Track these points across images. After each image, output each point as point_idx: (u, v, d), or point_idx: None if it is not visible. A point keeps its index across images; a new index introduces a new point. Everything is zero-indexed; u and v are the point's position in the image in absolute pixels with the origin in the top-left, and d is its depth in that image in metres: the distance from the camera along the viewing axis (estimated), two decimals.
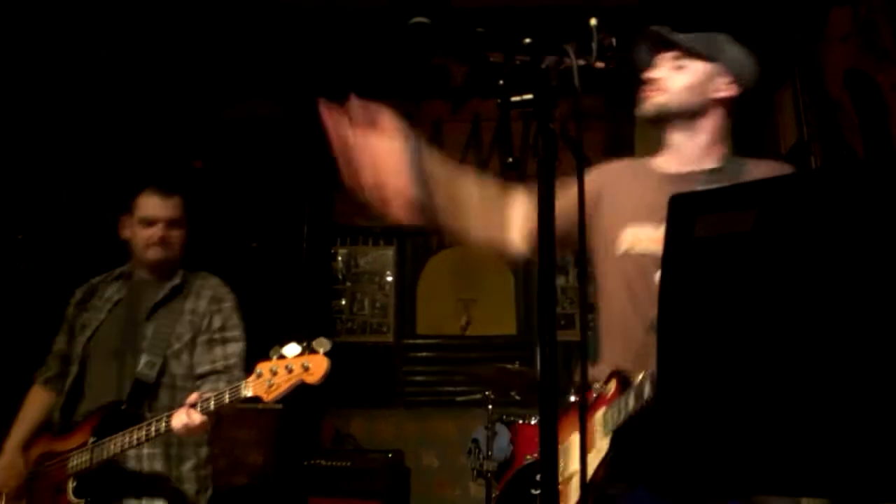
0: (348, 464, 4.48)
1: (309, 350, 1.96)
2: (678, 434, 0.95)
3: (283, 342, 2.00)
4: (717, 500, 1.29)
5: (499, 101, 1.17)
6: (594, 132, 5.21)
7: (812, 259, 0.87)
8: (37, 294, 3.82)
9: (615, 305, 1.83)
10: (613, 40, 1.20)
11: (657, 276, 1.00)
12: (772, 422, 0.88)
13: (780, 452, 0.88)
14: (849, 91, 3.60)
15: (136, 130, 4.52)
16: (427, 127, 5.52)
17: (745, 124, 1.94)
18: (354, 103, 1.61)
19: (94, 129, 4.30)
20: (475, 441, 4.01)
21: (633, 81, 1.88)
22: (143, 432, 2.17)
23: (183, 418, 2.09)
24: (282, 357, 1.98)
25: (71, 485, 2.28)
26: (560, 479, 1.82)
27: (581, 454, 1.18)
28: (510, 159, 1.22)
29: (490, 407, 3.98)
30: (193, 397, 2.12)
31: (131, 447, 2.21)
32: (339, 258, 5.47)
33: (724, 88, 1.81)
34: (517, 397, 4.03)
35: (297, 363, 1.95)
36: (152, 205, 2.52)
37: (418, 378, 5.32)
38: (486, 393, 4.00)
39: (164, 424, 2.13)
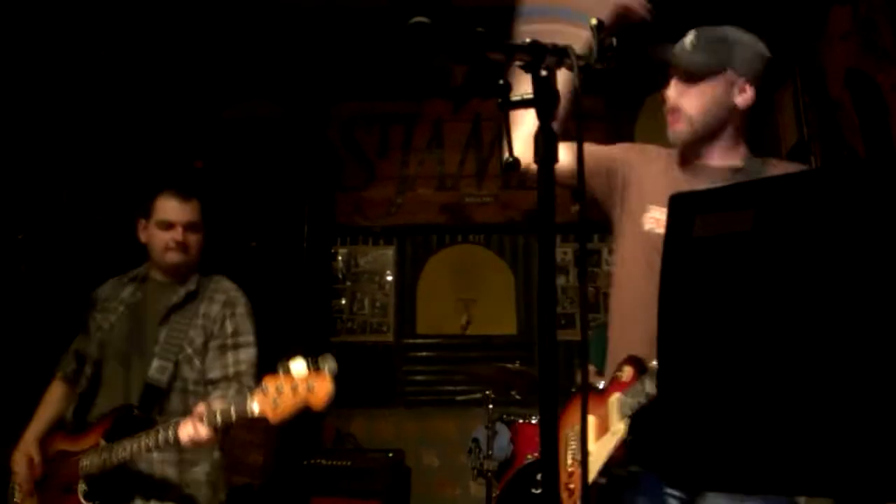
0: (349, 463, 4.48)
1: (315, 369, 1.97)
2: (678, 431, 0.95)
3: (291, 356, 2.00)
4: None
5: (499, 100, 1.17)
6: (594, 132, 5.21)
7: (812, 259, 0.87)
8: (37, 294, 3.82)
9: (634, 284, 1.84)
10: (614, 40, 1.20)
11: None
12: (770, 420, 0.88)
13: (778, 452, 0.88)
14: (849, 91, 3.60)
15: (137, 130, 4.52)
16: (427, 126, 5.53)
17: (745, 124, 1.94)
18: None
19: (94, 129, 4.30)
20: (475, 440, 4.02)
21: (633, 82, 1.88)
22: (153, 440, 2.18)
23: (190, 431, 2.10)
24: (288, 373, 1.98)
25: (81, 487, 2.30)
26: (571, 461, 1.84)
27: (582, 452, 1.18)
28: (510, 159, 1.22)
29: (490, 406, 3.98)
30: (200, 409, 2.12)
31: (140, 453, 2.23)
32: (340, 258, 5.47)
33: (741, 94, 1.79)
34: (517, 397, 4.04)
35: (302, 383, 1.95)
36: (171, 208, 2.51)
37: (418, 378, 5.32)
38: (487, 392, 4.00)
39: (172, 434, 2.14)
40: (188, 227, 2.52)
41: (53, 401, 2.63)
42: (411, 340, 5.38)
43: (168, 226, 2.50)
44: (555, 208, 1.13)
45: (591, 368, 3.67)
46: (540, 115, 1.14)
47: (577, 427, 1.84)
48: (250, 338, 2.51)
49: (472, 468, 3.99)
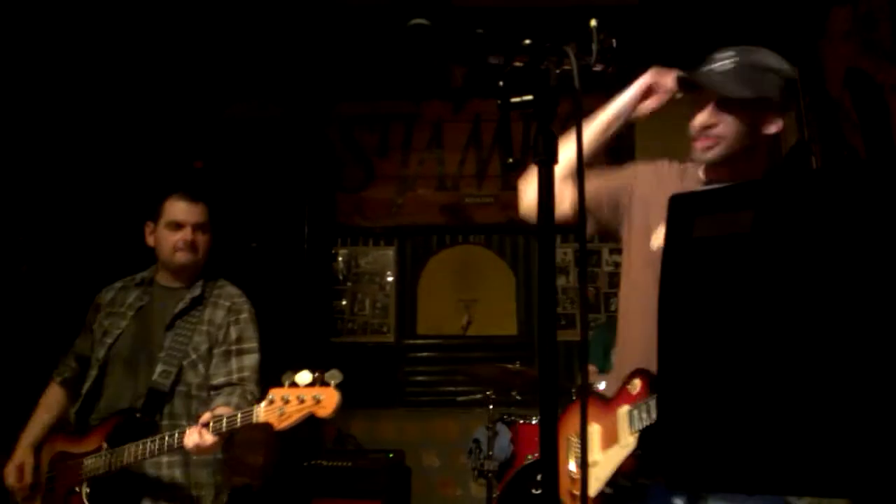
0: (349, 464, 4.48)
1: (321, 381, 1.99)
2: (680, 432, 0.95)
3: (296, 369, 2.02)
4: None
5: (499, 101, 1.16)
6: None
7: (812, 259, 0.87)
8: (38, 295, 3.83)
9: (642, 300, 1.83)
10: (614, 41, 1.20)
11: None
12: (770, 420, 0.88)
13: (777, 452, 0.88)
14: (849, 91, 3.60)
15: (137, 130, 4.52)
16: (427, 127, 5.53)
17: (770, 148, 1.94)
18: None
19: (94, 129, 4.30)
20: (476, 441, 4.02)
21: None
22: (157, 445, 2.21)
23: (195, 438, 2.13)
24: (294, 384, 2.00)
25: (85, 489, 2.31)
26: (575, 467, 1.86)
27: (582, 454, 1.18)
28: (510, 160, 1.22)
29: (491, 407, 3.98)
30: (206, 417, 2.15)
31: (144, 458, 2.25)
32: (340, 258, 5.47)
33: (773, 122, 1.78)
34: (518, 397, 4.04)
35: (308, 394, 1.98)
36: (180, 209, 2.55)
37: (419, 378, 5.32)
38: (487, 393, 4.00)
39: (176, 440, 2.17)
40: (197, 227, 2.56)
41: (50, 405, 2.64)
42: (412, 341, 5.38)
43: (178, 226, 2.53)
44: (554, 209, 1.14)
45: (592, 368, 3.68)
46: (540, 116, 1.14)
47: (587, 433, 1.85)
48: (254, 343, 2.54)
49: (472, 469, 3.99)
